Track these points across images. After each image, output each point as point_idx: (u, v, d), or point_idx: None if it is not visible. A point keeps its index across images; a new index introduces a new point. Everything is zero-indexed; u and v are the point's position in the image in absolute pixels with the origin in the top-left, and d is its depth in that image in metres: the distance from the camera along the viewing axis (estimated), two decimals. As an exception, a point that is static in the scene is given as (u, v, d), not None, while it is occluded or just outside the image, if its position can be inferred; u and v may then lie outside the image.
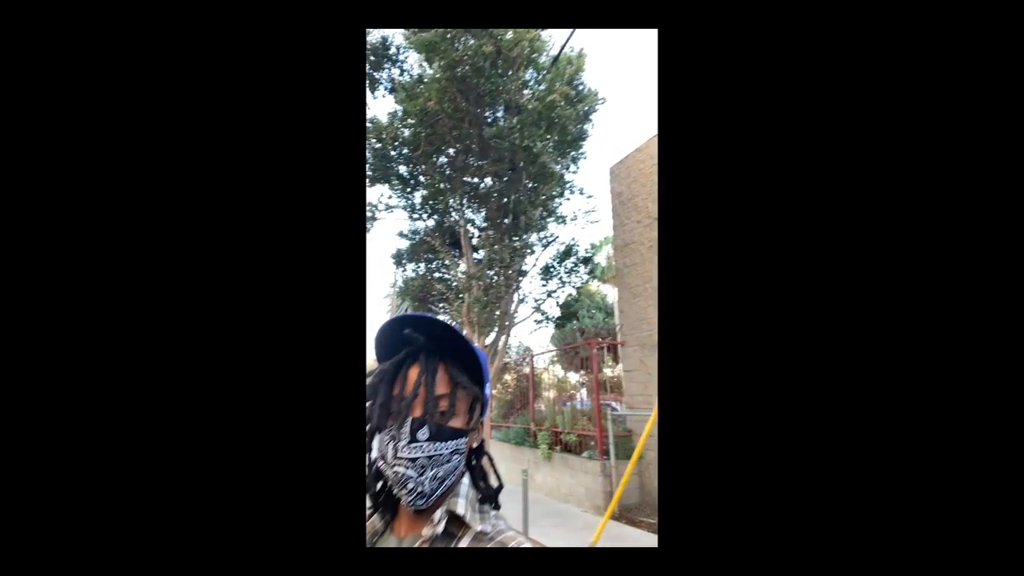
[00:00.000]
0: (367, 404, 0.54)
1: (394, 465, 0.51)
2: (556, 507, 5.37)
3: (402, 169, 7.97)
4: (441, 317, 0.54)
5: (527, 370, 7.82)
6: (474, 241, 7.99)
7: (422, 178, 8.01)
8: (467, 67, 6.00)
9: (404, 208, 8.53)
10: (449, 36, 6.02)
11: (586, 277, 8.11)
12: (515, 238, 7.21)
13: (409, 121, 6.68)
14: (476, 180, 6.90)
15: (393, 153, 7.63)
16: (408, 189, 8.13)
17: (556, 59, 6.72)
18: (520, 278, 7.62)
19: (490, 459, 0.61)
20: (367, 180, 8.32)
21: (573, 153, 7.58)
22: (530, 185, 7.01)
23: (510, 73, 6.52)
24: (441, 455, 0.52)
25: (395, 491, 0.53)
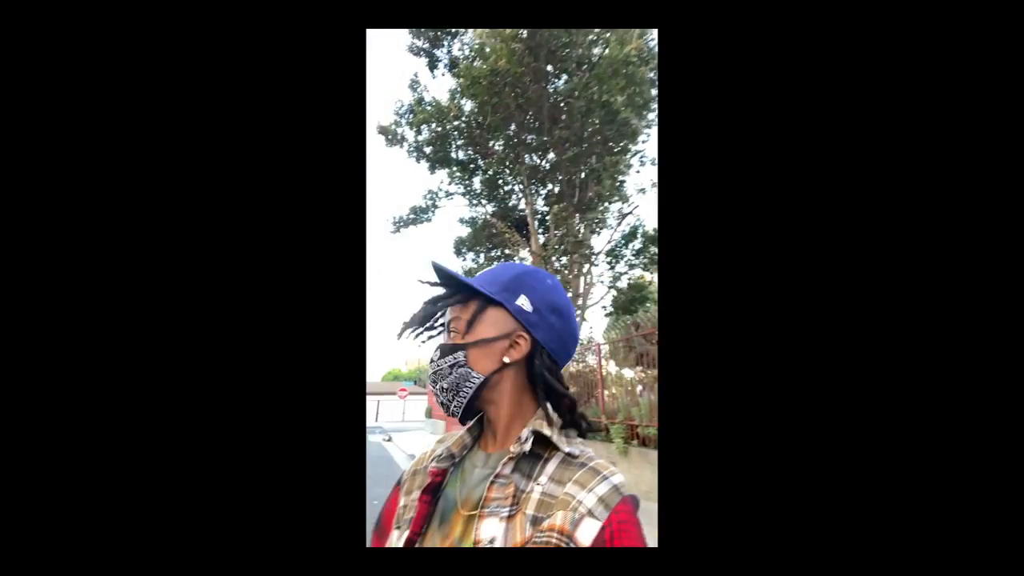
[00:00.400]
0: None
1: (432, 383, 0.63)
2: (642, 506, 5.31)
3: (461, 154, 8.00)
4: None
5: (590, 360, 7.68)
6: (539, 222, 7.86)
7: (481, 162, 7.99)
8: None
9: (463, 194, 8.56)
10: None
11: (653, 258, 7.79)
12: (588, 213, 6.99)
13: (473, 91, 6.57)
14: (539, 158, 6.65)
15: (455, 132, 7.58)
16: (467, 175, 8.15)
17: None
18: (593, 256, 7.34)
19: (552, 379, 0.62)
20: (427, 167, 8.50)
21: (649, 116, 7.18)
22: (603, 152, 6.67)
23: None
24: (441, 369, 0.61)
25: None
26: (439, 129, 7.71)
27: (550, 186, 7.94)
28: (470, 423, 0.66)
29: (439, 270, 0.63)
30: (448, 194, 8.69)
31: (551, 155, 6.75)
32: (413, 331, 0.65)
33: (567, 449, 0.57)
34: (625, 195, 7.86)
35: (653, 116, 7.47)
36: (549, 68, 6.36)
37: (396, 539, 0.60)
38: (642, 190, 8.29)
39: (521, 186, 8.03)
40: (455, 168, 8.15)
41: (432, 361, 0.64)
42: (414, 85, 8.36)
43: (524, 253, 8.34)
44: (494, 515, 0.54)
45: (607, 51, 6.23)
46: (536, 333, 0.61)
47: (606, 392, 6.92)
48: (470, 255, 9.20)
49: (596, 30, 6.59)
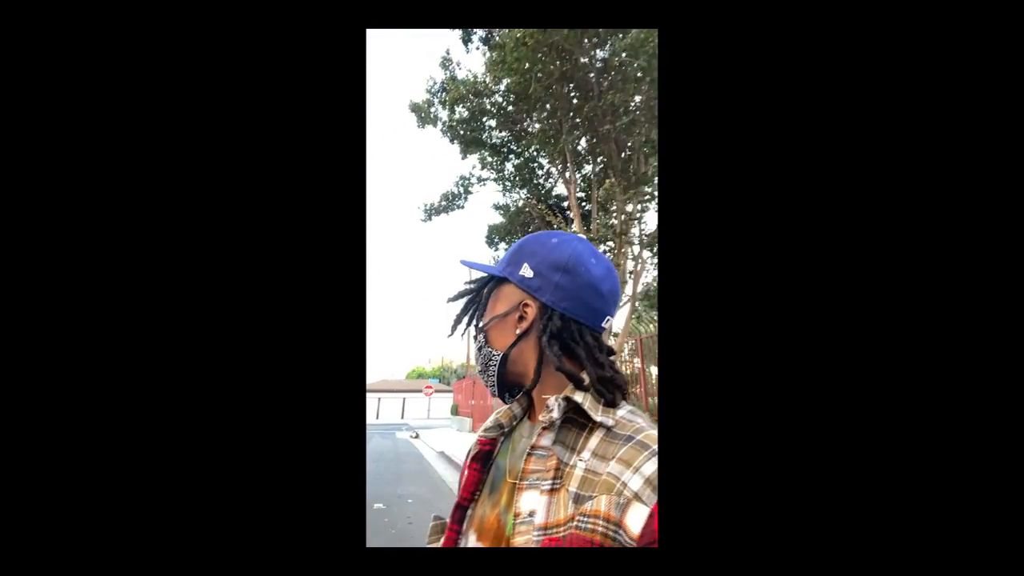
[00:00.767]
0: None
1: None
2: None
3: (495, 137, 7.75)
4: None
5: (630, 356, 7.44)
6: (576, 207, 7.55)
7: (514, 146, 7.76)
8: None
9: (495, 180, 8.34)
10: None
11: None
12: (639, 188, 6.63)
13: (517, 54, 6.15)
14: (583, 130, 6.39)
15: (491, 110, 7.34)
16: (500, 159, 7.93)
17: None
18: (644, 236, 7.02)
19: (575, 342, 0.60)
20: (459, 151, 8.26)
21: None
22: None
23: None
24: (476, 354, 0.67)
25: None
26: (474, 106, 7.40)
27: (588, 168, 7.57)
28: (516, 398, 0.67)
29: (466, 266, 0.69)
30: (480, 179, 8.41)
31: (605, 127, 6.18)
32: (454, 328, 0.71)
33: (599, 418, 0.55)
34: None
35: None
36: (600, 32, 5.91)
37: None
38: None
39: (560, 167, 7.65)
40: (487, 152, 7.89)
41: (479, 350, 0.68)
42: (445, 63, 8.07)
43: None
44: (534, 487, 0.54)
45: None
46: (541, 296, 0.61)
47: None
48: (502, 245, 8.92)
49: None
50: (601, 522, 0.48)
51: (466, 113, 7.69)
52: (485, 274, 0.68)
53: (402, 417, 36.50)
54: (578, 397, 0.56)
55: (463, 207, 8.60)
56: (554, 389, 0.59)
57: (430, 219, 8.75)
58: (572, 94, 6.57)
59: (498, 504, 0.58)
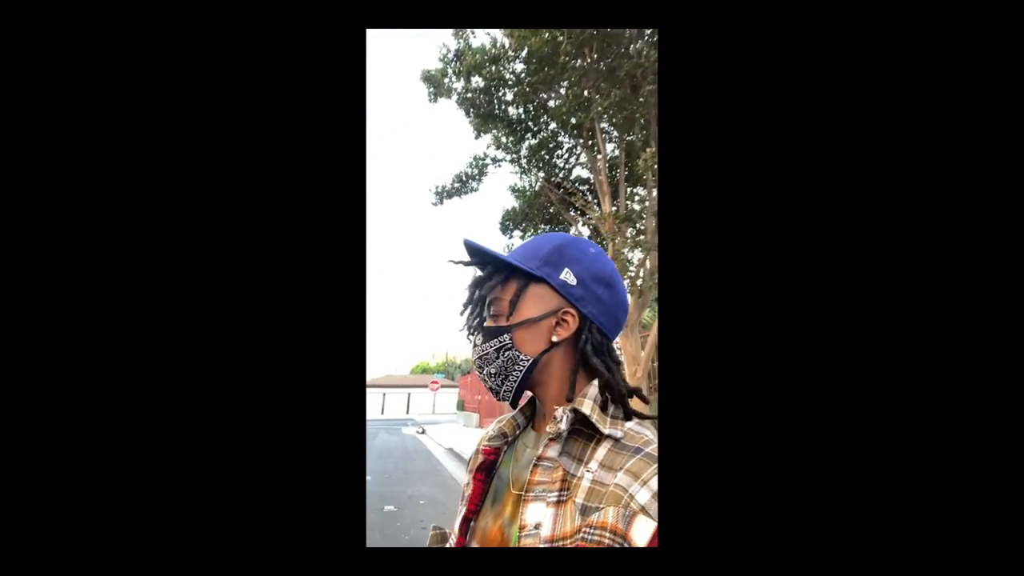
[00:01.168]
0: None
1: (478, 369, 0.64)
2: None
3: (512, 112, 7.31)
4: None
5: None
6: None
7: (531, 124, 7.39)
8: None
9: (511, 161, 7.89)
10: None
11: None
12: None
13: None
14: (615, 98, 6.06)
15: (510, 78, 6.90)
16: (517, 138, 7.54)
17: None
18: None
19: (605, 354, 0.61)
20: (472, 131, 7.93)
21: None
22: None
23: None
24: (487, 354, 0.61)
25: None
26: (492, 74, 6.94)
27: (612, 146, 7.22)
28: (521, 407, 0.66)
29: (472, 248, 0.62)
30: (495, 160, 8.00)
31: (647, 87, 5.84)
32: (468, 324, 0.65)
33: (607, 431, 0.55)
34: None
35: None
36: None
37: (458, 515, 0.63)
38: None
39: (586, 140, 7.17)
40: (502, 129, 7.46)
41: (476, 346, 0.63)
42: (457, 33, 7.73)
43: (579, 227, 7.64)
44: (540, 499, 0.54)
45: None
46: (584, 307, 0.60)
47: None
48: (516, 233, 8.51)
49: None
50: (608, 534, 0.49)
51: (482, 83, 7.27)
52: (480, 263, 0.64)
53: (407, 412, 36.74)
54: (586, 409, 0.56)
55: (477, 190, 8.21)
56: (559, 399, 0.60)
57: (442, 203, 8.38)
58: (608, 52, 6.27)
59: (501, 515, 0.58)
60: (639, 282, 6.34)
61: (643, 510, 0.48)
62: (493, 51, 6.95)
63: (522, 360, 0.59)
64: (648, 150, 5.71)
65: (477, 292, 0.63)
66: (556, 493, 0.53)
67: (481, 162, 7.93)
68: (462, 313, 0.66)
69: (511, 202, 8.50)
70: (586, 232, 7.46)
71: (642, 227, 6.73)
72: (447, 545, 0.65)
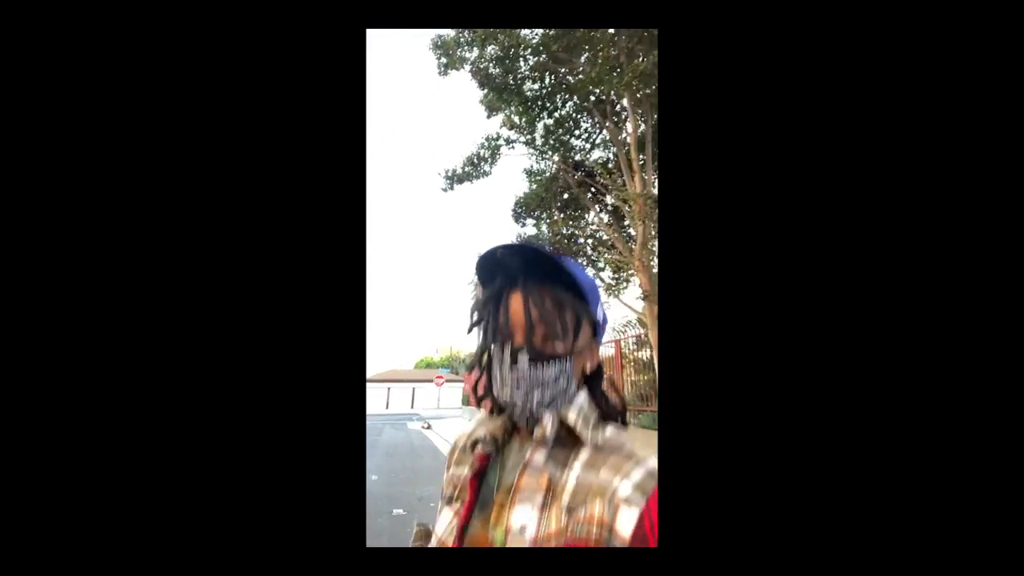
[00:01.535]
0: (478, 324, 0.63)
1: (503, 386, 0.60)
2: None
3: (527, 89, 6.77)
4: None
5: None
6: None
7: (547, 103, 6.97)
8: None
9: (526, 143, 7.44)
10: None
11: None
12: None
13: None
14: (650, 64, 5.73)
15: (530, 45, 6.42)
16: (530, 117, 7.07)
17: None
18: None
19: (612, 382, 0.66)
20: (485, 109, 7.55)
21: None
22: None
23: None
24: (544, 379, 0.57)
25: (506, 410, 0.63)
26: (511, 41, 6.41)
27: (641, 124, 6.81)
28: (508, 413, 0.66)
29: (548, 261, 0.59)
30: (508, 141, 7.49)
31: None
32: (503, 341, 0.61)
33: (589, 437, 0.58)
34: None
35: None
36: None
37: (446, 515, 0.63)
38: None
39: (613, 114, 6.68)
40: (517, 107, 6.93)
41: (514, 365, 0.57)
42: None
43: (599, 216, 7.16)
44: (527, 502, 0.55)
45: None
46: (600, 340, 0.65)
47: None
48: (530, 222, 8.11)
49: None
50: (595, 528, 0.51)
51: (499, 52, 6.71)
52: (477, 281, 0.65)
53: (412, 407, 36.89)
54: (571, 418, 0.58)
55: (490, 173, 7.75)
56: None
57: (452, 188, 8.01)
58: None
59: (487, 520, 0.58)
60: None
61: (626, 501, 0.51)
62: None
63: (571, 392, 0.59)
64: None
65: (537, 312, 0.58)
66: (542, 496, 0.54)
67: (494, 143, 7.47)
68: (475, 326, 0.63)
69: (523, 188, 8.12)
70: (605, 218, 7.13)
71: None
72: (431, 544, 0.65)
